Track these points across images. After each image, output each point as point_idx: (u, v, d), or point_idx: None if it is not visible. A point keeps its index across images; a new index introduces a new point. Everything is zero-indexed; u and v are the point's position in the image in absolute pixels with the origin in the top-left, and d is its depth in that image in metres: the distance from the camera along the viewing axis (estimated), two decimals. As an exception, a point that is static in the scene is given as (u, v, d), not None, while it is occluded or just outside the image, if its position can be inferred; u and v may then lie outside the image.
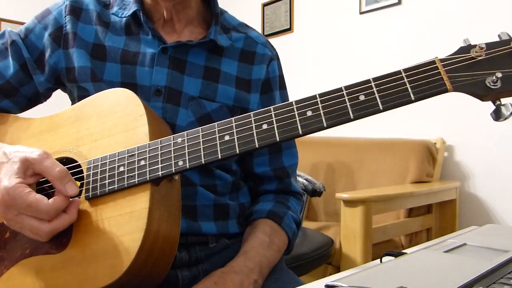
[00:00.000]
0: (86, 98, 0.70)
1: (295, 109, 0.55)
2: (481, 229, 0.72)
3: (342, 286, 0.43)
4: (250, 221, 0.79)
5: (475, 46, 0.52)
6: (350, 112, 0.53)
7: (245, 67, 0.81)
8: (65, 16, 0.77)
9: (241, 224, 0.81)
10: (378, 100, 0.53)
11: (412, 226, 1.97)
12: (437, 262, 0.52)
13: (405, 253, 0.57)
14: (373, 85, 0.53)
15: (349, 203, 1.62)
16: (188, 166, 0.57)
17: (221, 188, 0.78)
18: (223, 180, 0.78)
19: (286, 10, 3.04)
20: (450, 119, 2.17)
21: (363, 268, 0.53)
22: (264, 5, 3.18)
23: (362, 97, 0.53)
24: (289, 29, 3.00)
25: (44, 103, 0.84)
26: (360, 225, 1.59)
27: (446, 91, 0.52)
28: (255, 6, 3.20)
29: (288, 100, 0.88)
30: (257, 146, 0.55)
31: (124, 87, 0.67)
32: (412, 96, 0.52)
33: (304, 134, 0.54)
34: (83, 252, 0.58)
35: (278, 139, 0.55)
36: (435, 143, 2.16)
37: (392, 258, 0.56)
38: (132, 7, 0.77)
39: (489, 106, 0.54)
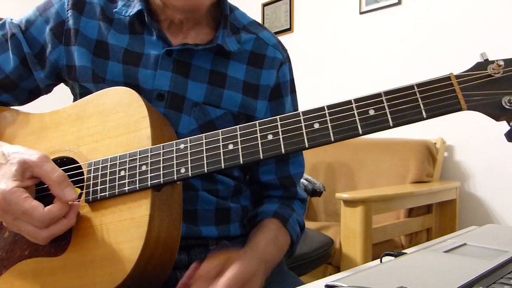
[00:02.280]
0: (88, 96, 0.68)
1: (302, 121, 0.53)
2: (481, 229, 0.72)
3: (342, 286, 0.43)
4: (256, 222, 0.78)
5: (492, 62, 0.50)
6: (359, 127, 0.51)
7: (254, 71, 0.78)
8: (67, 10, 0.74)
9: (243, 226, 0.79)
10: (389, 116, 0.51)
11: (412, 226, 1.97)
12: (437, 262, 0.52)
13: (405, 253, 0.57)
14: (384, 100, 0.51)
15: (349, 203, 1.62)
16: (190, 175, 0.56)
17: (223, 193, 0.76)
18: (225, 184, 0.77)
19: (286, 10, 3.04)
20: (450, 119, 2.16)
21: (363, 268, 0.53)
22: (264, 5, 3.18)
23: (372, 112, 0.51)
24: (289, 29, 3.00)
25: (47, 96, 0.83)
26: (360, 225, 1.59)
27: (459, 110, 0.50)
28: (255, 6, 3.20)
29: (297, 104, 0.85)
30: (261, 157, 0.54)
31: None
32: (424, 113, 0.50)
33: (310, 147, 0.53)
34: (82, 257, 0.58)
35: (283, 151, 0.53)
36: (435, 143, 2.16)
37: (392, 258, 0.56)
38: (136, 5, 0.73)
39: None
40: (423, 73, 2.27)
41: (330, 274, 1.27)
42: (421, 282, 0.45)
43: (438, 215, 2.10)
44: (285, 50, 0.85)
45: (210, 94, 0.74)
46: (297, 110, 0.85)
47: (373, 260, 1.03)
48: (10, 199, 0.54)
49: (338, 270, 1.69)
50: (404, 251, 0.59)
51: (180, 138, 0.62)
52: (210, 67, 0.75)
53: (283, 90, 0.82)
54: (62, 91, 0.90)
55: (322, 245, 1.64)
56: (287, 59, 0.84)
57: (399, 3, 2.42)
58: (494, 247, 0.57)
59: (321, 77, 2.76)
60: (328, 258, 1.67)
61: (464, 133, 2.15)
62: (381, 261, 0.58)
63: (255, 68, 0.78)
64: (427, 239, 2.07)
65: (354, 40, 2.63)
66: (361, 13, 2.59)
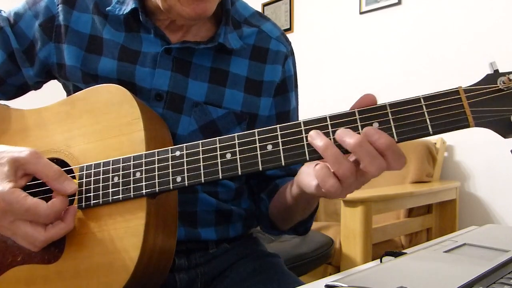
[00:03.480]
0: (78, 92, 0.65)
1: (303, 132, 0.51)
2: (481, 229, 0.72)
3: (342, 286, 0.43)
4: (278, 188, 0.75)
5: (503, 74, 0.47)
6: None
7: (257, 66, 0.75)
8: (57, 5, 0.71)
9: (244, 226, 0.79)
10: (394, 130, 0.49)
11: (412, 226, 1.97)
12: (437, 262, 0.52)
13: (405, 253, 0.56)
14: (389, 112, 0.49)
15: (349, 203, 1.61)
16: (186, 184, 0.54)
17: (224, 195, 0.75)
18: (227, 187, 0.75)
19: (286, 10, 3.04)
20: (450, 119, 2.17)
21: (363, 268, 0.53)
22: (264, 5, 3.18)
23: (376, 125, 0.49)
24: (289, 29, 3.00)
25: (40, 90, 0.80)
26: (360, 225, 1.59)
27: (467, 126, 0.48)
28: (255, 6, 3.18)
29: (298, 101, 0.84)
30: (260, 169, 0.52)
31: (121, 86, 0.62)
32: (430, 129, 0.48)
33: (312, 159, 0.51)
34: (76, 266, 0.57)
35: (283, 163, 0.51)
36: (435, 143, 2.16)
37: (392, 258, 0.56)
38: (130, 3, 0.70)
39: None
40: (423, 73, 2.27)
41: (330, 274, 1.27)
42: (421, 282, 0.44)
43: (438, 215, 2.10)
44: (289, 43, 0.82)
45: (211, 93, 0.72)
46: (298, 106, 0.84)
47: (373, 260, 1.03)
48: (10, 199, 0.52)
49: (338, 270, 1.69)
50: (404, 251, 0.59)
51: (179, 140, 0.60)
52: (211, 64, 0.72)
53: (288, 85, 0.79)
54: (56, 86, 0.87)
55: (322, 245, 1.64)
56: (291, 52, 0.81)
57: (399, 3, 2.42)
58: (494, 247, 0.57)
59: (321, 77, 2.76)
60: (328, 258, 1.67)
61: (464, 133, 2.13)
62: (381, 261, 0.58)
63: (258, 63, 0.76)
64: (427, 239, 2.07)
65: (354, 40, 2.63)
66: (361, 13, 2.59)
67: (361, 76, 2.56)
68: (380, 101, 0.51)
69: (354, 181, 0.50)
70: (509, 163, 2.00)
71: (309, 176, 0.57)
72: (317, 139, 0.49)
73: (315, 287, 0.52)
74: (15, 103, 0.76)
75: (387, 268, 0.50)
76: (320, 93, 2.67)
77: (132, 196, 0.56)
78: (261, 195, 0.79)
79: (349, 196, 1.75)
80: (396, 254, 0.57)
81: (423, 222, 2.02)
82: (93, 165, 0.59)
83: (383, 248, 1.74)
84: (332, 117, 0.50)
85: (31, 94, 0.81)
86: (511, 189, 2.01)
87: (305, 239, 1.64)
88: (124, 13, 0.70)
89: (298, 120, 0.52)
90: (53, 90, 0.98)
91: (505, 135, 0.48)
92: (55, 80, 0.80)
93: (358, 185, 0.52)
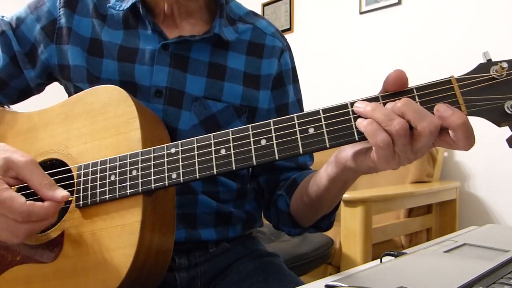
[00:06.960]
0: (76, 94, 0.66)
1: (296, 125, 0.51)
2: (481, 229, 0.72)
3: (342, 286, 0.43)
4: (297, 183, 0.74)
5: (496, 63, 0.47)
6: (355, 133, 0.49)
7: (254, 61, 0.76)
8: (59, 8, 0.72)
9: (243, 228, 0.78)
10: None
11: (412, 226, 1.97)
12: (437, 262, 0.52)
13: (405, 253, 0.57)
14: (381, 104, 0.49)
15: (349, 203, 1.61)
16: (182, 180, 0.55)
17: (224, 195, 0.75)
18: (227, 187, 0.75)
19: (286, 10, 3.04)
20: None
21: (363, 268, 0.53)
22: (264, 5, 3.18)
23: None
24: (289, 29, 3.00)
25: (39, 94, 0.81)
26: (360, 225, 1.59)
27: None
28: (255, 6, 3.20)
29: (301, 94, 0.84)
30: (254, 163, 0.52)
31: (123, 86, 0.63)
32: None
33: (305, 153, 0.51)
34: (74, 264, 0.57)
35: (277, 157, 0.51)
36: (435, 143, 2.16)
37: (392, 258, 0.56)
38: (130, 0, 0.71)
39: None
40: (423, 73, 2.26)
41: (330, 274, 1.27)
42: (421, 282, 0.45)
43: (438, 215, 2.10)
44: (285, 39, 0.83)
45: (210, 87, 0.72)
46: (301, 100, 0.84)
47: (373, 260, 1.03)
48: None
49: (338, 270, 1.69)
50: (404, 251, 0.59)
51: (181, 135, 0.61)
52: (209, 59, 0.73)
53: (285, 79, 0.80)
54: (57, 89, 0.88)
55: (322, 245, 1.64)
56: (287, 47, 0.83)
57: (399, 3, 2.42)
58: (494, 247, 0.57)
59: (321, 77, 2.76)
60: (328, 258, 1.67)
61: (464, 133, 2.15)
62: (381, 261, 0.58)
63: (254, 58, 0.77)
64: (427, 239, 2.07)
65: (354, 40, 2.63)
66: (361, 13, 2.59)
67: (361, 77, 2.56)
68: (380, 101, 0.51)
69: (408, 144, 0.46)
70: (509, 163, 2.00)
71: (352, 146, 0.54)
72: (362, 106, 0.48)
73: (315, 287, 0.52)
74: (17, 106, 0.76)
75: (387, 268, 0.50)
76: (319, 93, 2.67)
77: (128, 193, 0.57)
78: (277, 192, 0.77)
79: (349, 196, 1.75)
80: (396, 254, 0.57)
81: (423, 222, 2.02)
82: (90, 164, 0.60)
83: (383, 248, 1.74)
84: (325, 110, 0.51)
85: (32, 96, 0.81)
86: (511, 189, 2.01)
87: (305, 239, 1.64)
88: (125, 8, 0.71)
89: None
90: (53, 93, 0.99)
91: (499, 124, 0.47)
92: (55, 84, 0.80)
93: (411, 154, 0.48)
